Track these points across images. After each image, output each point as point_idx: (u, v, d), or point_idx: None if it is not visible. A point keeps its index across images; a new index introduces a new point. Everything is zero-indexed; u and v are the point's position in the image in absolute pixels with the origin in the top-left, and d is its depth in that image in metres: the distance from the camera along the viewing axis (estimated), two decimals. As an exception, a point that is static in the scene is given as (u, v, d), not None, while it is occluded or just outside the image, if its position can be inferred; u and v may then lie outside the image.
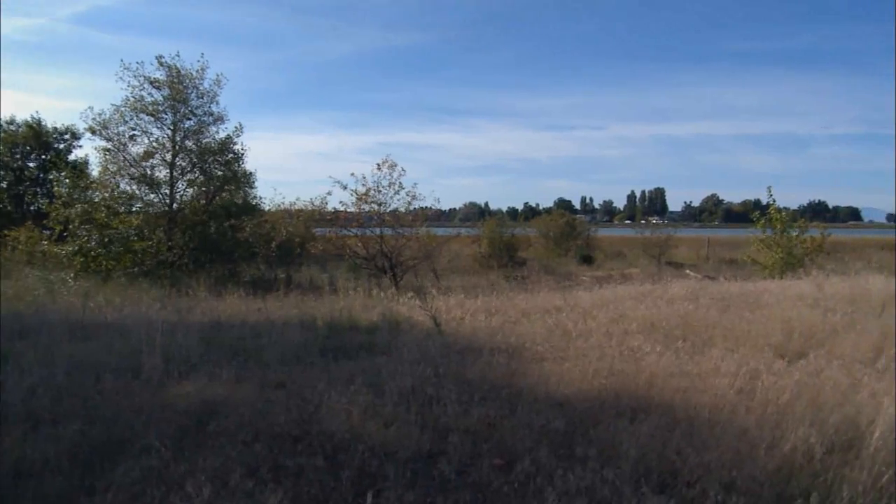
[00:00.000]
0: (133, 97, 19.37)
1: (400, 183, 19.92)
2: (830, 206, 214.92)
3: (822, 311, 9.63)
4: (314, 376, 6.67)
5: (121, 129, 19.40)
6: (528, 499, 4.16)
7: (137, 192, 19.93)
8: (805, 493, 4.02)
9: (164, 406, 5.77)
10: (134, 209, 19.91)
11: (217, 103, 20.57)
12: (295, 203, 22.93)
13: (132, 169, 19.54)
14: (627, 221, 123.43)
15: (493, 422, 5.42)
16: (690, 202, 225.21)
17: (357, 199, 19.78)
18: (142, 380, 6.63)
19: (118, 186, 19.64)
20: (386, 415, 5.46)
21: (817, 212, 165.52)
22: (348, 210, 20.36)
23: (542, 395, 6.08)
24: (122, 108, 19.34)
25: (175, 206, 20.20)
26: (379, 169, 19.67)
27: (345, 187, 19.64)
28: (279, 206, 23.49)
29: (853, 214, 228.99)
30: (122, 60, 19.47)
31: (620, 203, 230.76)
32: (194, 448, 4.85)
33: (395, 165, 19.73)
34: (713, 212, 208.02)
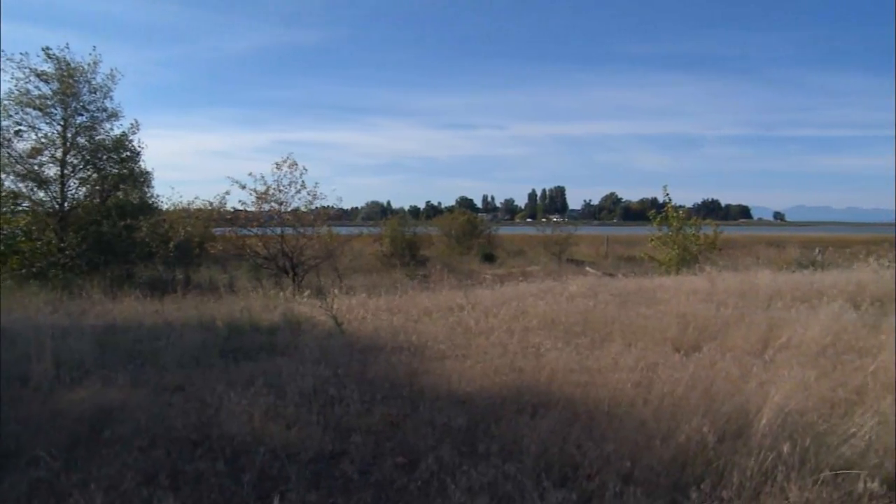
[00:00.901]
0: (18, 90, 18.60)
1: (303, 181, 19.66)
2: (723, 205, 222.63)
3: (715, 306, 9.97)
4: (214, 378, 6.54)
5: (4, 123, 18.58)
6: (431, 496, 4.17)
7: (24, 190, 19.17)
8: (699, 480, 4.14)
9: (54, 414, 5.56)
10: (21, 208, 19.13)
11: (111, 99, 19.99)
12: (193, 202, 22.44)
13: (18, 166, 18.74)
14: (529, 220, 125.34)
15: (396, 420, 5.42)
16: (590, 201, 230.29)
17: (257, 198, 19.42)
18: (30, 387, 6.36)
19: (1, 185, 18.83)
20: (287, 416, 5.39)
21: (710, 210, 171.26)
22: (248, 209, 19.99)
23: (444, 393, 6.10)
24: (6, 102, 18.54)
25: (67, 205, 19.49)
26: (278, 168, 19.35)
27: (243, 186, 19.26)
28: (176, 205, 22.95)
29: (743, 212, 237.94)
30: (2, 51, 18.63)
31: (522, 201, 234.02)
32: (87, 457, 4.70)
33: (296, 164, 19.47)
34: (612, 210, 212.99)
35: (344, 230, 24.82)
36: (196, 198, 22.31)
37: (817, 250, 26.43)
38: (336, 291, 12.61)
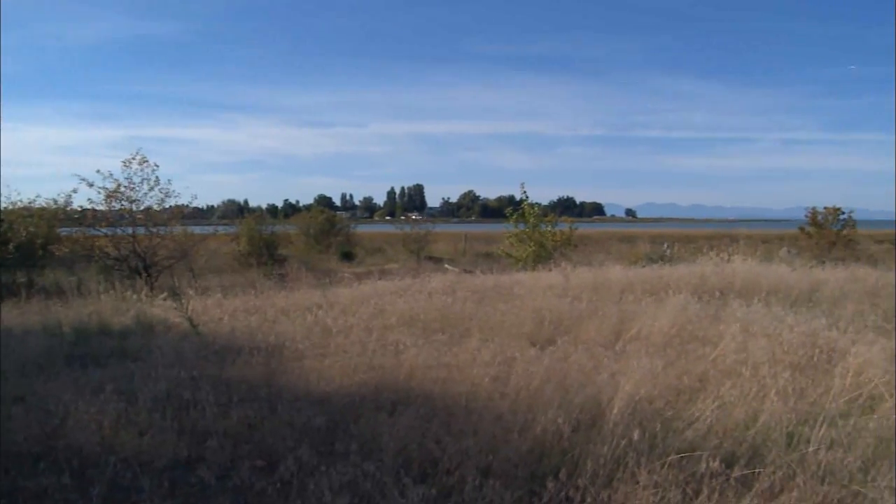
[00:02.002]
0: None
1: (156, 178, 18.89)
2: (577, 202, 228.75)
3: (570, 300, 10.23)
4: (59, 387, 6.21)
5: None
6: (291, 498, 4.13)
7: None
8: (555, 469, 4.26)
9: None
10: None
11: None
12: (35, 201, 21.30)
13: None
14: (388, 218, 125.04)
15: (254, 423, 5.33)
16: (448, 198, 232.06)
17: (106, 196, 18.55)
18: None
19: None
20: (140, 423, 5.21)
21: (566, 207, 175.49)
22: (97, 208, 19.07)
23: (302, 393, 6.04)
24: None
25: None
26: (127, 165, 18.53)
27: (91, 184, 18.36)
28: (15, 204, 21.66)
29: (597, 209, 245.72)
30: None
31: (381, 199, 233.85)
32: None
33: (147, 161, 18.72)
34: (470, 207, 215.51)
35: (199, 229, 24.12)
36: (37, 196, 21.20)
37: (665, 245, 27.58)
38: (191, 292, 12.24)
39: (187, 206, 20.48)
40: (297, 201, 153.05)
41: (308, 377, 6.58)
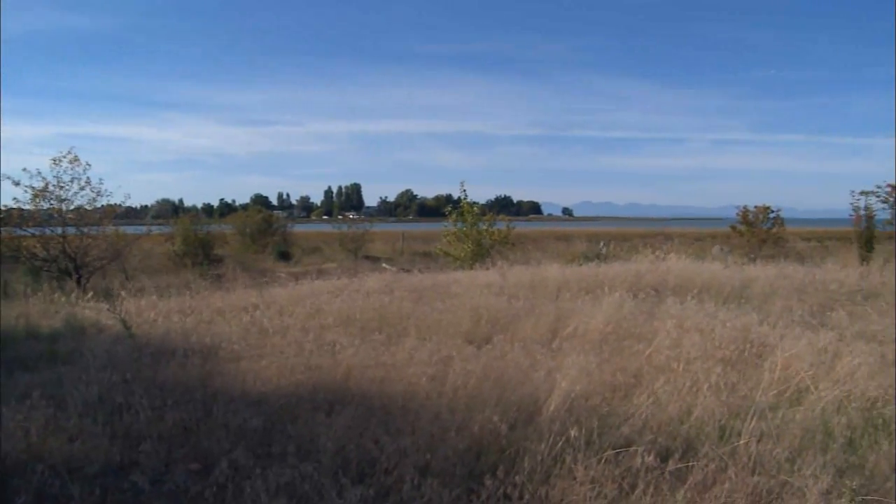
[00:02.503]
0: None
1: (87, 178, 18.48)
2: (515, 201, 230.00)
3: (507, 298, 10.30)
4: (-17, 394, 6.04)
5: None
6: (226, 501, 4.08)
7: None
8: (493, 467, 4.28)
9: None
10: None
11: None
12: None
13: None
14: (325, 217, 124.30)
15: (189, 425, 5.24)
16: (386, 197, 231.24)
17: (34, 195, 18.09)
18: None
19: None
20: (70, 428, 5.09)
21: (503, 206, 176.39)
22: (23, 208, 18.57)
23: (238, 395, 5.96)
24: None
25: None
26: (57, 164, 18.06)
27: (17, 183, 17.87)
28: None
29: (534, 208, 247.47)
30: None
31: (318, 199, 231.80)
32: None
33: (78, 159, 18.27)
34: (408, 206, 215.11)
35: (133, 229, 23.67)
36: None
37: (602, 244, 27.86)
38: (124, 294, 11.99)
39: (120, 205, 20.15)
40: (234, 200, 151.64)
41: (244, 378, 6.49)
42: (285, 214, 73.11)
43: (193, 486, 4.27)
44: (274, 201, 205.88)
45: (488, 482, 4.05)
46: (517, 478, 4.13)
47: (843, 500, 4.04)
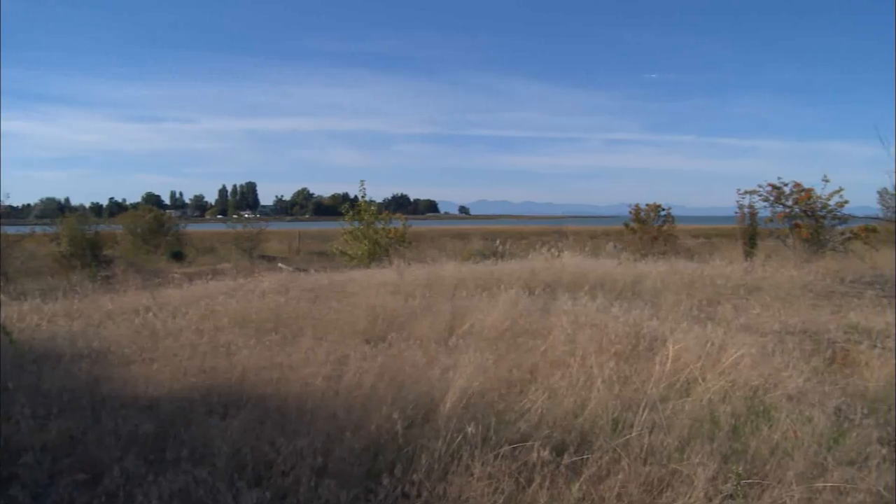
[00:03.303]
0: None
1: (-37, 176, 17.65)
2: (412, 200, 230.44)
3: (404, 297, 10.31)
4: None
5: None
6: (117, 511, 3.94)
7: None
8: (391, 466, 4.29)
9: None
10: None
11: None
12: None
13: None
14: (219, 216, 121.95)
15: (76, 434, 5.05)
16: (282, 196, 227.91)
17: None
18: None
19: None
20: (-59, 442, 4.82)
21: (400, 205, 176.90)
22: None
23: (129, 400, 5.77)
24: None
25: None
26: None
27: None
28: None
29: (431, 207, 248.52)
30: None
31: (212, 198, 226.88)
32: None
33: (-46, 157, 17.46)
34: (304, 205, 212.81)
35: (14, 229, 22.72)
36: None
37: (498, 242, 28.11)
38: (4, 297, 11.47)
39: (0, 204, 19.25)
40: (124, 199, 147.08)
41: (135, 383, 6.30)
42: (178, 214, 71.32)
43: (80, 498, 4.12)
44: (166, 200, 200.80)
45: (386, 481, 4.05)
46: (415, 476, 4.14)
47: (729, 484, 4.19)
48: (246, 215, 51.26)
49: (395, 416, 4.84)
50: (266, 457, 4.53)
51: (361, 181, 23.17)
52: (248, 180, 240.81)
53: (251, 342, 7.54)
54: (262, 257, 32.06)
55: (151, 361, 6.98)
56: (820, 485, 4.24)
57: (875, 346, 7.66)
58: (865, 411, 5.47)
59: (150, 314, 9.25)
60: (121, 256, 30.97)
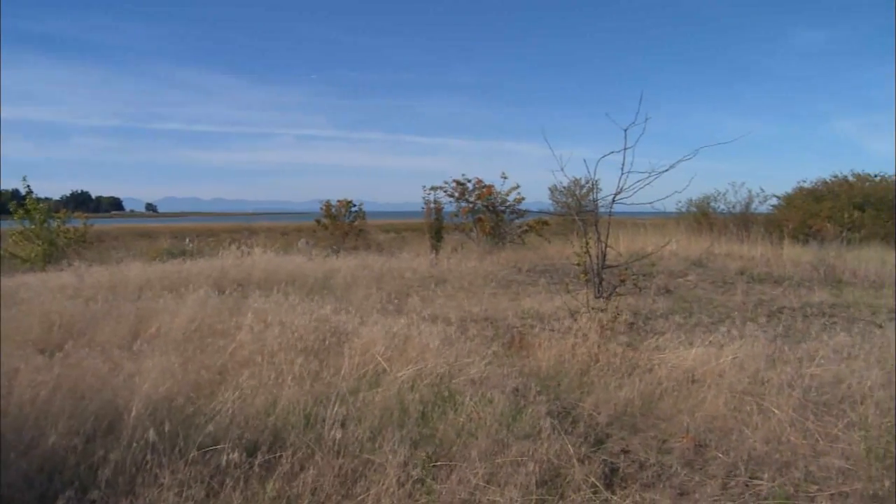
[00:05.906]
0: None
1: None
2: (94, 197, 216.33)
3: (84, 301, 9.68)
4: None
5: None
6: None
7: None
8: (68, 485, 4.00)
9: None
10: None
11: None
12: None
13: None
14: None
15: None
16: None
17: None
18: None
19: None
20: None
21: (80, 202, 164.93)
22: None
23: None
24: None
25: None
26: None
27: None
28: None
29: (116, 204, 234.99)
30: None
31: None
32: None
33: None
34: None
35: None
36: None
37: (188, 240, 27.29)
38: None
39: None
40: None
41: None
42: None
43: None
44: None
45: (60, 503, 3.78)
46: (95, 493, 3.91)
47: (418, 469, 4.39)
48: None
49: (75, 429, 4.57)
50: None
51: (24, 177, 21.46)
52: None
53: None
54: None
55: None
56: (500, 460, 4.57)
57: (545, 329, 8.40)
58: (538, 389, 6.00)
59: None
60: None
